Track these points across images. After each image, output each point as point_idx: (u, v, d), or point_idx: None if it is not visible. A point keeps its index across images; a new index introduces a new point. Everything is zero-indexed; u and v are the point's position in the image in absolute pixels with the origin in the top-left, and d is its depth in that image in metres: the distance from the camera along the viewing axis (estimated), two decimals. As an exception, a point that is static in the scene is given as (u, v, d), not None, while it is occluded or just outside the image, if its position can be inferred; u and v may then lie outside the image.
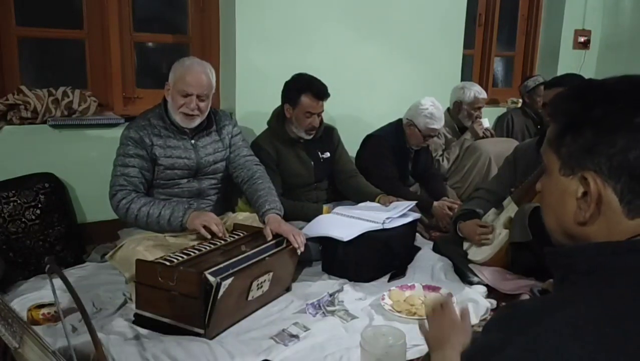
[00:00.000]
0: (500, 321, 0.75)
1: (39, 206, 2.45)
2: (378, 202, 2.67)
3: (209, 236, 2.12)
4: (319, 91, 2.61)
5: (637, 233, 0.72)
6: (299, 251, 2.15)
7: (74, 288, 1.16)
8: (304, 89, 2.61)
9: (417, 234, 2.73)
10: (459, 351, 1.10)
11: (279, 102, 2.75)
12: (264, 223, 2.23)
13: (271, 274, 2.01)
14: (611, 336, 0.64)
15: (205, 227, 2.12)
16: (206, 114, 2.29)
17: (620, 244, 0.72)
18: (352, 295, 2.16)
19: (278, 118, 2.73)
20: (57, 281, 2.24)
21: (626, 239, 0.72)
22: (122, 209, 2.15)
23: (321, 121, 2.77)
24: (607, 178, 0.72)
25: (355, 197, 2.80)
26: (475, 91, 3.51)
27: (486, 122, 3.60)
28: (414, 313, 1.99)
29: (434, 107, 3.03)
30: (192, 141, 2.31)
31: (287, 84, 2.68)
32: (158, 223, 2.15)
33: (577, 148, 0.74)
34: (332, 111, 2.78)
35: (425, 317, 1.92)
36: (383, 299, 2.07)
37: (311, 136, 2.72)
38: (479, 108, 3.54)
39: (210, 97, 2.28)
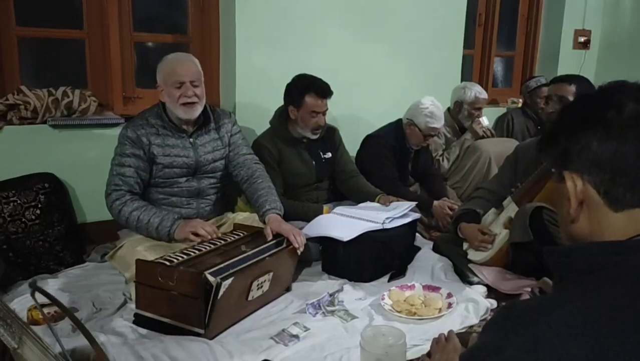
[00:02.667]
0: (498, 322, 0.75)
1: (39, 206, 2.45)
2: (378, 202, 2.67)
3: (198, 240, 2.10)
4: (322, 89, 2.62)
5: (627, 228, 0.74)
6: (299, 251, 2.15)
7: (61, 299, 1.14)
8: (307, 89, 2.62)
9: (417, 234, 2.73)
10: None
11: (279, 102, 2.75)
12: (264, 222, 2.23)
13: (271, 274, 2.01)
14: (610, 336, 0.64)
15: (193, 233, 2.11)
16: (204, 101, 2.28)
17: (621, 243, 0.73)
18: (352, 295, 2.16)
19: (280, 117, 2.73)
20: (59, 281, 2.25)
21: (627, 239, 0.73)
22: (115, 210, 2.16)
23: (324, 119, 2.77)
24: (583, 174, 0.78)
25: (355, 197, 2.80)
26: (476, 91, 3.51)
27: (485, 121, 3.60)
28: (414, 313, 1.99)
29: (434, 107, 3.03)
30: (191, 139, 2.30)
31: (289, 85, 2.69)
32: (146, 229, 2.14)
33: (557, 154, 0.81)
34: (332, 111, 2.78)
35: (423, 317, 1.94)
36: (383, 299, 2.07)
37: (317, 135, 2.73)
38: (480, 108, 3.54)
39: (202, 84, 2.26)
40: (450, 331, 1.29)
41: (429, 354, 1.29)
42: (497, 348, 0.69)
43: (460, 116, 3.57)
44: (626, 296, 0.67)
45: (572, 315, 0.66)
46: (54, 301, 1.13)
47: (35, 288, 1.07)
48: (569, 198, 0.79)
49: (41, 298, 2.00)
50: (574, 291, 0.72)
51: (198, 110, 2.25)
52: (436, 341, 1.31)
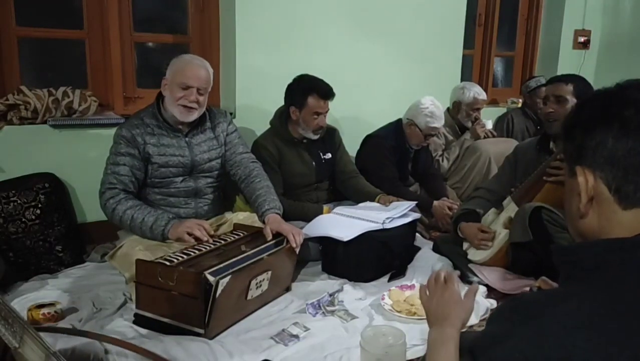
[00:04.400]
0: (504, 313, 0.76)
1: (39, 206, 2.45)
2: (378, 202, 2.67)
3: (193, 242, 2.08)
4: (325, 91, 2.63)
5: (635, 227, 0.74)
6: (296, 250, 2.15)
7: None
8: (309, 90, 2.62)
9: (417, 234, 2.73)
10: (459, 328, 1.10)
11: (279, 102, 2.75)
12: (263, 222, 2.23)
13: (270, 273, 2.01)
14: (615, 330, 0.64)
15: (188, 233, 2.10)
16: (203, 109, 2.29)
17: (627, 240, 0.74)
18: (352, 295, 2.16)
19: (281, 118, 2.73)
20: (59, 281, 2.26)
21: (633, 236, 0.74)
22: (109, 208, 2.14)
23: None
24: (595, 170, 0.78)
25: (355, 197, 2.80)
26: (475, 92, 3.51)
27: (489, 124, 3.61)
28: (414, 313, 1.99)
29: (434, 106, 3.04)
30: (186, 139, 2.30)
31: (290, 86, 2.69)
32: (140, 228, 2.11)
33: (572, 149, 0.82)
34: (332, 111, 2.79)
35: (423, 317, 1.93)
36: (383, 299, 2.07)
37: (318, 136, 2.73)
38: (478, 109, 3.54)
39: (207, 93, 2.27)
40: (449, 275, 1.24)
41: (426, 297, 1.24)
42: (503, 338, 0.70)
43: (459, 116, 3.57)
44: (632, 292, 0.68)
45: (579, 308, 0.67)
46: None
47: None
48: (579, 193, 0.80)
49: (41, 298, 2.01)
50: (581, 286, 0.73)
51: (194, 115, 2.25)
52: (435, 279, 1.23)
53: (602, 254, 0.74)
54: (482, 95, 3.55)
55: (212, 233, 2.16)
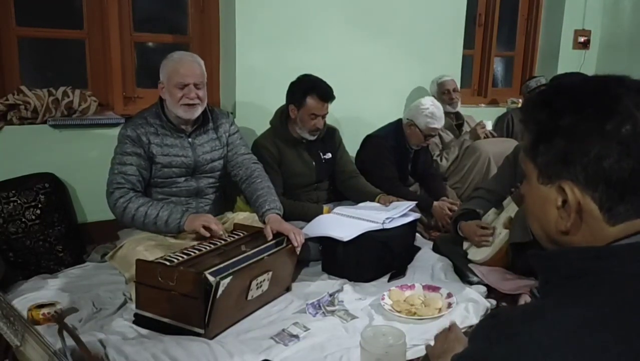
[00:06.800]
0: (483, 331, 0.74)
1: (39, 206, 2.45)
2: (378, 202, 2.67)
3: (208, 235, 2.12)
4: (325, 92, 2.62)
5: (617, 238, 0.72)
6: (297, 251, 2.15)
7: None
8: (309, 90, 2.62)
9: (417, 234, 2.73)
10: None
11: (279, 102, 2.75)
12: (263, 222, 2.23)
13: (270, 273, 2.01)
14: (591, 347, 0.63)
15: (204, 227, 2.12)
16: (205, 103, 2.29)
17: (602, 248, 0.72)
18: (352, 295, 2.16)
19: (281, 117, 2.73)
20: (59, 281, 2.26)
21: (606, 244, 0.72)
22: (120, 208, 2.14)
23: (324, 122, 2.78)
24: (585, 187, 0.71)
25: (355, 197, 2.80)
26: (437, 77, 3.58)
27: (489, 125, 3.62)
28: (414, 313, 1.99)
29: (434, 107, 3.04)
30: (189, 139, 2.31)
31: (292, 84, 2.69)
32: (155, 223, 2.13)
33: (552, 158, 0.74)
34: (332, 111, 2.79)
35: (423, 317, 1.94)
36: (383, 299, 2.07)
37: (315, 137, 2.73)
38: (448, 90, 3.58)
39: (205, 87, 2.28)
40: (452, 323, 1.28)
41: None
42: (481, 358, 0.69)
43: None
44: (607, 306, 0.66)
45: (554, 325, 0.66)
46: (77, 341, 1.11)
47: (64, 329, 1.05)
48: (557, 206, 0.75)
49: (41, 297, 2.01)
50: (557, 298, 0.71)
51: (198, 111, 2.26)
52: (441, 330, 1.31)
53: (577, 262, 0.72)
54: (444, 77, 3.60)
55: (225, 234, 2.17)
